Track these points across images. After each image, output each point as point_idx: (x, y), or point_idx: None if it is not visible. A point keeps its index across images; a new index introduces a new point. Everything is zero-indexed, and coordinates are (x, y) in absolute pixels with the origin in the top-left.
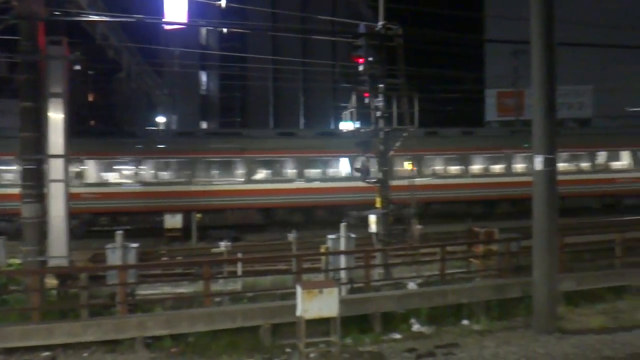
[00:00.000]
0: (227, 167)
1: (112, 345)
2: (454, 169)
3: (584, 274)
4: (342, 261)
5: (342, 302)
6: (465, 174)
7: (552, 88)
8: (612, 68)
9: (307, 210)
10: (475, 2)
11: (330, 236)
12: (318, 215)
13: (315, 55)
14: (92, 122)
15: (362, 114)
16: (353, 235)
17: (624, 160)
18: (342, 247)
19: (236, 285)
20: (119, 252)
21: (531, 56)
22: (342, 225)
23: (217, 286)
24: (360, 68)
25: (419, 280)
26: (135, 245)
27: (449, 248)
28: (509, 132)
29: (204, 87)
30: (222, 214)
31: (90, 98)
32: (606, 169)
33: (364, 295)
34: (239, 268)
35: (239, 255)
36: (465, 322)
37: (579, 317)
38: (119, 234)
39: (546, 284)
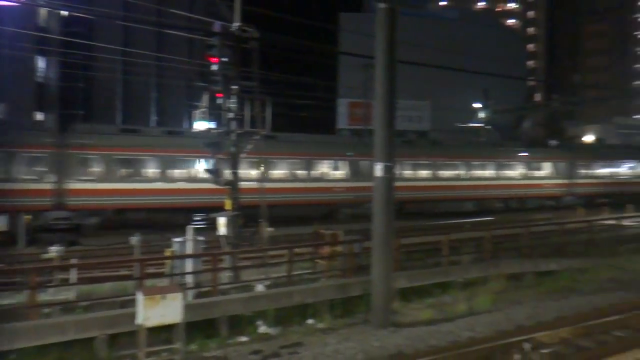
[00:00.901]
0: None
1: None
2: (300, 173)
3: (416, 271)
4: (189, 265)
5: (187, 307)
6: (307, 178)
7: (391, 102)
8: (446, 87)
9: (152, 212)
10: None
11: (175, 239)
12: (161, 217)
13: (171, 51)
14: None
15: (215, 115)
16: (201, 238)
17: (342, 169)
18: (189, 250)
19: (69, 294)
20: None
21: (375, 71)
22: (189, 228)
23: (47, 296)
24: (214, 67)
25: (267, 282)
26: None
27: (296, 250)
28: (353, 139)
29: (40, 74)
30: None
31: None
32: (322, 178)
33: (210, 300)
34: (73, 275)
35: (73, 261)
36: (310, 321)
37: (411, 311)
38: None
39: (383, 282)
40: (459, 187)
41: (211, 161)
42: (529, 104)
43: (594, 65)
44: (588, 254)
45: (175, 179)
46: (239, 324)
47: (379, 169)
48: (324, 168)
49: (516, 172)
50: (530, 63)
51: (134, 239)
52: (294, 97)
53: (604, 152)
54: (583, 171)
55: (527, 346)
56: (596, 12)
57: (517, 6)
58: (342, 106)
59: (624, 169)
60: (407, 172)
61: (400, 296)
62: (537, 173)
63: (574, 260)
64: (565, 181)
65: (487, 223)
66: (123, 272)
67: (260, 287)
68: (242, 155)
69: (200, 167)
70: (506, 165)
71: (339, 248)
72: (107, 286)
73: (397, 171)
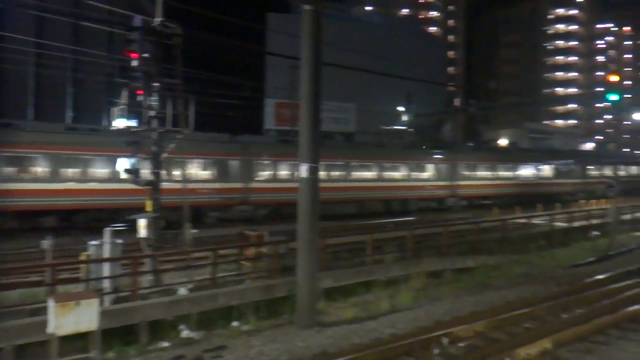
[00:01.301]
0: None
1: None
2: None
3: (341, 271)
4: (106, 269)
5: (104, 313)
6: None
7: (317, 103)
8: (372, 90)
9: (66, 214)
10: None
11: (92, 242)
12: (79, 219)
13: (89, 44)
14: None
15: (136, 112)
16: (119, 241)
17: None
18: (107, 253)
19: None
20: None
21: (300, 73)
22: (106, 231)
23: None
24: (134, 63)
25: (191, 285)
26: None
27: (221, 251)
28: (278, 140)
29: None
30: None
31: None
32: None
33: (129, 305)
34: None
35: None
36: (235, 323)
37: (336, 310)
38: None
39: (308, 282)
40: (337, 189)
41: (131, 160)
42: (449, 109)
43: (508, 73)
44: (501, 251)
45: (96, 179)
46: (161, 329)
47: (304, 170)
48: (192, 169)
49: (398, 173)
50: (451, 69)
51: (45, 243)
52: (220, 97)
53: (490, 154)
54: (466, 173)
55: (445, 340)
56: (510, 23)
57: (439, 14)
58: (269, 106)
59: (517, 172)
60: (282, 173)
61: (326, 296)
62: (419, 175)
63: (489, 257)
64: (448, 183)
65: (409, 223)
66: (34, 278)
67: (183, 291)
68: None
69: (120, 166)
70: (387, 166)
71: (264, 249)
72: (15, 294)
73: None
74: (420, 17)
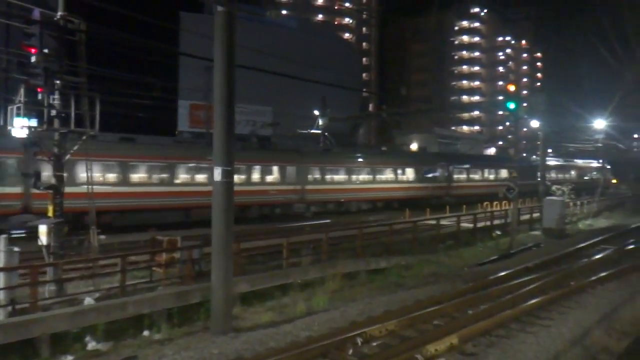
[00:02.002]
0: None
1: None
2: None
3: (257, 275)
4: (1, 279)
5: None
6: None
7: (231, 105)
8: (289, 94)
9: None
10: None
11: None
12: None
13: None
14: None
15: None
16: (16, 249)
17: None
18: (1, 263)
19: None
20: None
21: (214, 75)
22: (1, 238)
23: None
24: (33, 59)
25: (98, 295)
26: None
27: (130, 258)
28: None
29: None
30: None
31: None
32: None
33: (28, 317)
34: None
35: None
36: (146, 332)
37: (251, 315)
38: None
39: (223, 287)
40: (157, 195)
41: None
42: (363, 114)
43: (418, 80)
44: (413, 251)
45: None
46: (64, 342)
47: (217, 173)
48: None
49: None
50: (365, 75)
51: None
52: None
53: (348, 157)
54: (319, 177)
55: (359, 340)
56: (419, 33)
57: (353, 22)
58: (183, 108)
59: (378, 175)
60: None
61: (242, 301)
62: (263, 178)
63: (401, 257)
64: (297, 187)
65: (326, 226)
66: None
67: (89, 300)
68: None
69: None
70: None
71: (177, 254)
72: None
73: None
74: (335, 23)
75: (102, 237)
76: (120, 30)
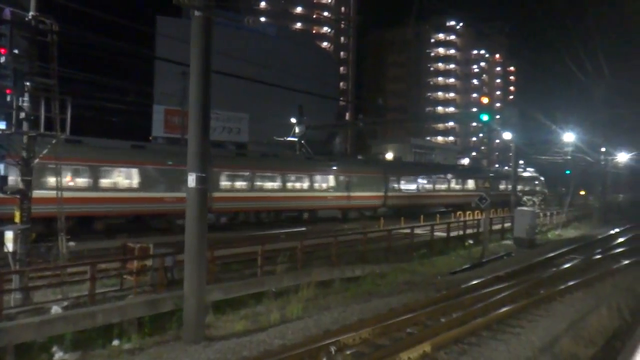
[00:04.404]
0: None
1: None
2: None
3: (231, 283)
4: None
5: None
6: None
7: (206, 111)
8: (266, 101)
9: None
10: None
11: None
12: None
13: None
14: None
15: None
16: None
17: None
18: None
19: None
20: None
21: (190, 80)
22: None
23: None
24: (2, 60)
25: (66, 303)
26: None
27: (100, 265)
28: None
29: None
30: None
31: None
32: None
33: None
34: None
35: None
36: (116, 342)
37: (225, 324)
38: None
39: (195, 295)
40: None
41: None
42: (339, 122)
43: (395, 90)
44: (387, 260)
45: None
46: (30, 352)
47: (191, 180)
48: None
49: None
50: (342, 84)
51: None
52: (106, 100)
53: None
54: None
55: (333, 349)
56: (396, 44)
57: (331, 31)
58: (158, 113)
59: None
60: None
61: (215, 309)
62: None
63: (376, 266)
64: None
65: (301, 233)
66: None
67: (56, 309)
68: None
69: None
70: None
71: (149, 262)
72: None
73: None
74: (313, 32)
75: (72, 243)
76: (96, 33)
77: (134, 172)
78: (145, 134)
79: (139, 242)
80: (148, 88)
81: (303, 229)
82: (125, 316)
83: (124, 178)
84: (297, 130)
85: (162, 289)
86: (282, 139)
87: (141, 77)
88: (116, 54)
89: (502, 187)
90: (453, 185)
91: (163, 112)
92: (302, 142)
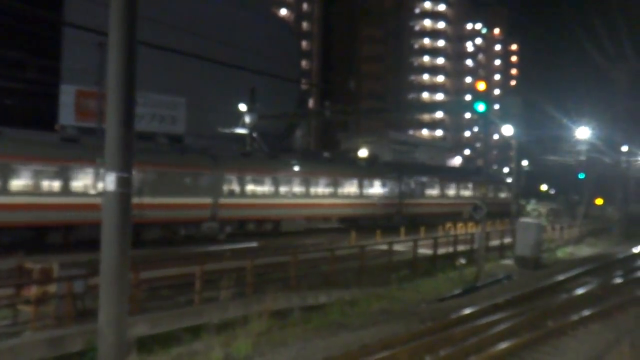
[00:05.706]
0: None
1: None
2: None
3: (160, 314)
4: None
5: None
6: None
7: (129, 94)
8: (207, 84)
9: None
10: None
11: None
12: None
13: None
14: None
15: None
16: None
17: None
18: None
19: None
20: None
21: (109, 53)
22: None
23: None
24: None
25: None
26: None
27: None
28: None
29: None
30: None
31: None
32: None
33: None
34: None
35: None
36: None
37: None
38: None
39: (114, 329)
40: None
41: None
42: (301, 111)
43: (370, 72)
44: (359, 283)
45: None
46: None
47: (110, 182)
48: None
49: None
50: (305, 63)
51: None
52: None
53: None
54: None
55: None
56: (372, 14)
57: None
58: (67, 95)
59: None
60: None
61: (139, 347)
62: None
63: (345, 291)
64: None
65: (252, 250)
66: None
67: None
68: None
69: None
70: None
71: (52, 288)
72: None
73: None
74: None
75: None
76: None
77: None
78: (50, 122)
79: (40, 261)
80: (54, 62)
81: (254, 244)
82: (18, 358)
83: None
84: (247, 120)
85: (69, 322)
86: (228, 131)
87: (45, 48)
88: (12, 17)
89: (503, 195)
90: (440, 191)
91: (74, 93)
92: (254, 135)
